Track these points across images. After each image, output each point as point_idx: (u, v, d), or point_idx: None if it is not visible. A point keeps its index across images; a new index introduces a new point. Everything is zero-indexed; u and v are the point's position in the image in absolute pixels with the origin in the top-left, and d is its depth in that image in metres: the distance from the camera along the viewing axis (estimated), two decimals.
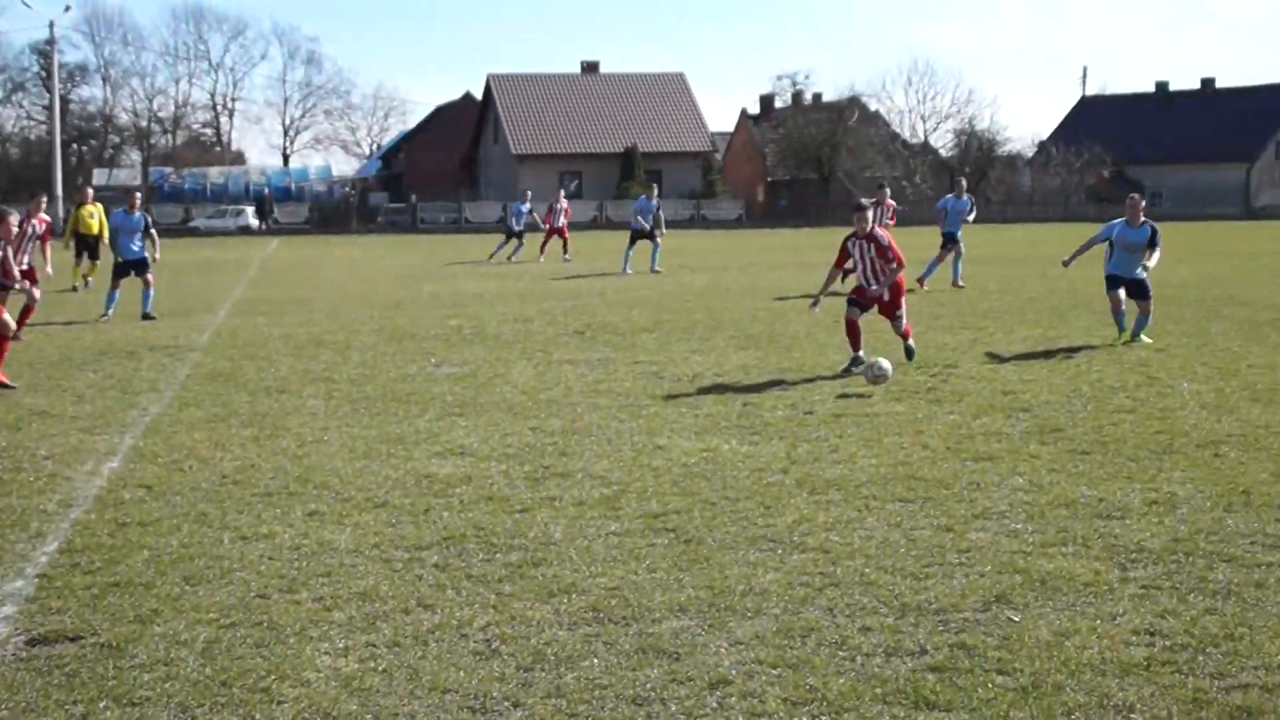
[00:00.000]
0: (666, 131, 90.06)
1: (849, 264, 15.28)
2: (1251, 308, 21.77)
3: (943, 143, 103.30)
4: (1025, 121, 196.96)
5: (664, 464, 10.14)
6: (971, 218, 27.38)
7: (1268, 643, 6.09)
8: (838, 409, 12.47)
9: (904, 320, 15.39)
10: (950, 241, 26.97)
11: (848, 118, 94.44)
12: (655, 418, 12.19)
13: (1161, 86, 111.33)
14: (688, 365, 15.75)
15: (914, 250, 24.36)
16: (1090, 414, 12.06)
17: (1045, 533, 8.02)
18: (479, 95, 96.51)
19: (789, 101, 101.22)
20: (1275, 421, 11.53)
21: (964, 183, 28.45)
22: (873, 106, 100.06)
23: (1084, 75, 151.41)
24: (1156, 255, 17.19)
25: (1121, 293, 17.09)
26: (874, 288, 15.01)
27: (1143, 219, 17.14)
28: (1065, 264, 18.76)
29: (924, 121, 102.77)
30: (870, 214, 15.27)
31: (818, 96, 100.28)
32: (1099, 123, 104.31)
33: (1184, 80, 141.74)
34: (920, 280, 26.15)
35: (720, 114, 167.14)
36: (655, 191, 37.31)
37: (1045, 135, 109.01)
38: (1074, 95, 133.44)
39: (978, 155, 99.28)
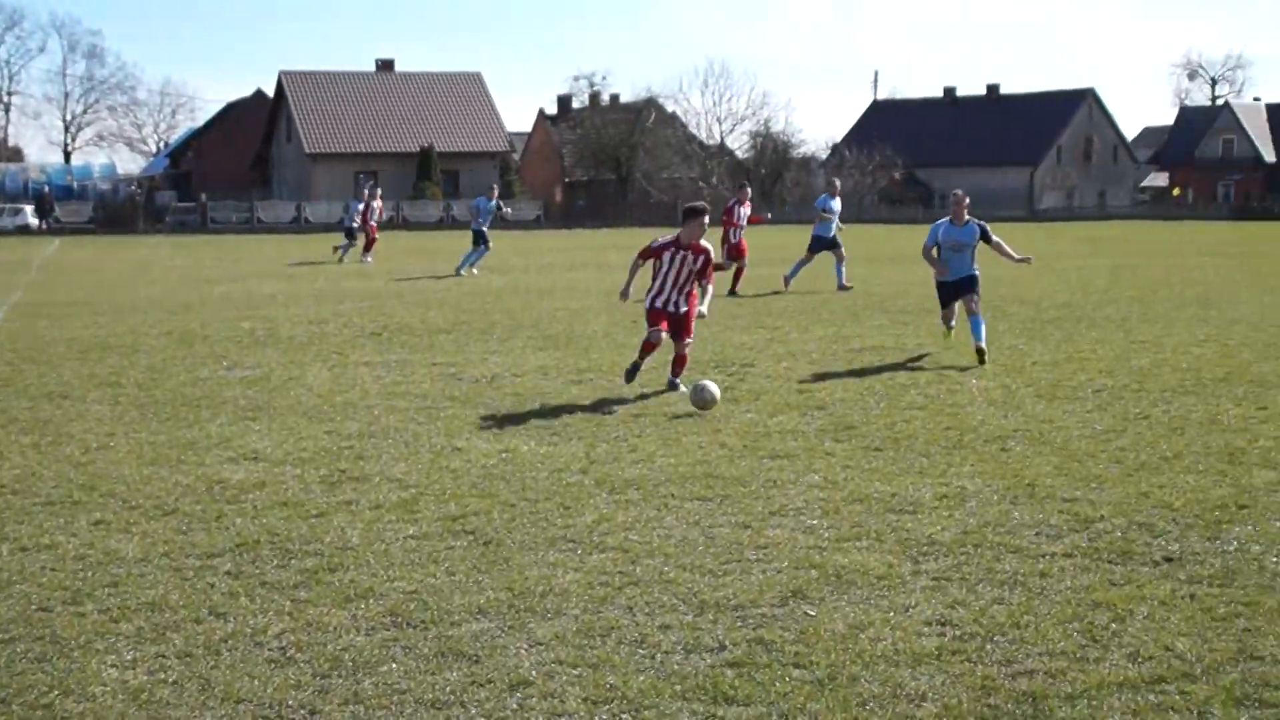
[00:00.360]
0: (463, 131, 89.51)
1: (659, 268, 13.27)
2: (1036, 307, 22.61)
3: (739, 144, 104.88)
4: (819, 124, 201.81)
5: (462, 466, 10.09)
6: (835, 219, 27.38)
7: (1052, 630, 6.34)
8: (636, 409, 12.57)
9: (689, 349, 13.70)
10: (825, 245, 26.78)
11: (645, 119, 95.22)
12: (453, 419, 12.12)
13: (949, 91, 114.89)
14: (486, 366, 15.69)
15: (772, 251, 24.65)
16: (883, 411, 12.38)
17: (840, 528, 8.22)
18: (270, 92, 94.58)
19: (586, 102, 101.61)
20: (1058, 416, 12.00)
21: (837, 183, 28.40)
22: (670, 108, 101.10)
23: (875, 80, 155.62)
24: (1009, 249, 16.43)
25: (957, 305, 16.24)
26: (673, 306, 13.28)
27: (967, 216, 16.16)
28: (941, 273, 16.30)
29: (720, 123, 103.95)
30: (706, 222, 13.19)
31: (615, 97, 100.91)
32: (890, 126, 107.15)
33: (971, 86, 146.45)
34: (840, 286, 26.43)
35: (517, 114, 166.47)
36: (495, 193, 35.82)
37: (839, 138, 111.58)
38: (866, 99, 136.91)
39: (773, 157, 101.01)
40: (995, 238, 16.09)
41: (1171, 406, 12.52)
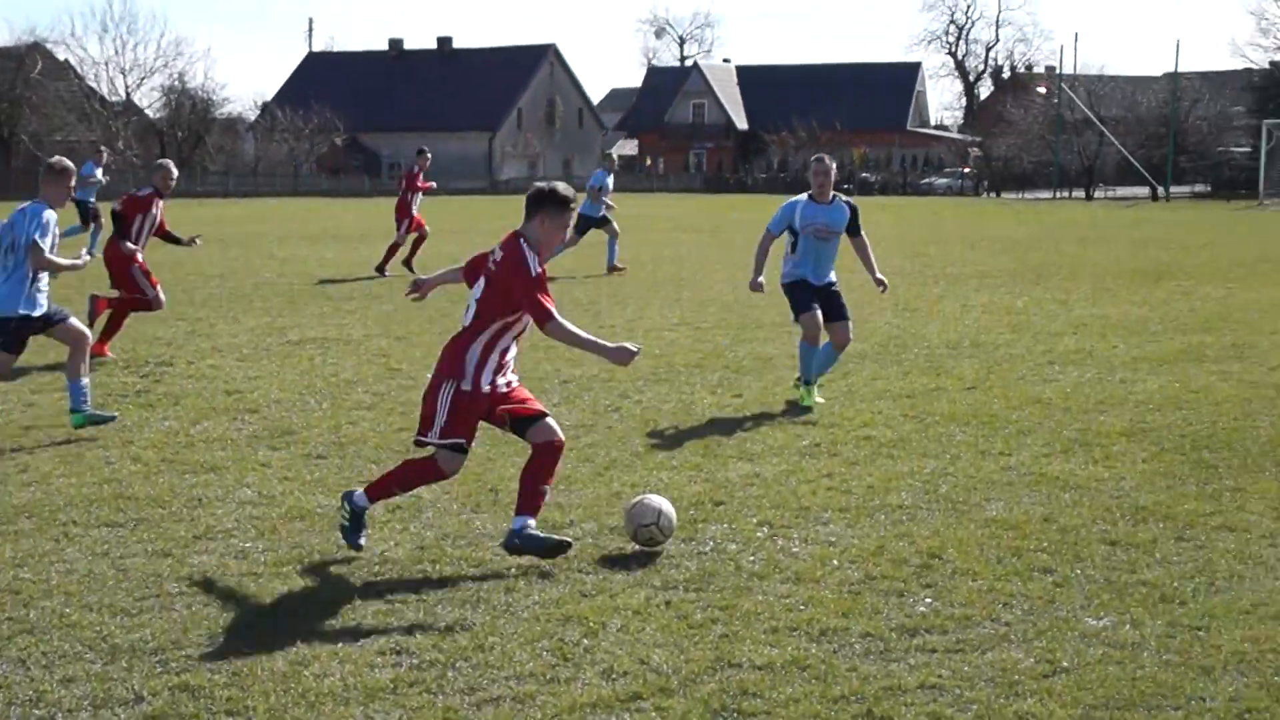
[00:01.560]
0: None
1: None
2: None
3: (149, 102, 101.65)
4: (246, 79, 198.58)
5: None
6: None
7: (519, 650, 6.56)
8: (29, 419, 11.99)
9: None
10: (593, 224, 27.35)
11: (29, 68, 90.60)
12: None
13: (396, 44, 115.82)
14: None
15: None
16: (327, 413, 12.40)
17: (279, 550, 8.17)
18: None
19: None
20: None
21: (615, 157, 29.09)
22: (61, 55, 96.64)
23: (310, 28, 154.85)
24: (871, 251, 13.47)
25: (819, 311, 12.83)
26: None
27: (833, 193, 13.05)
28: (756, 286, 13.32)
29: (125, 76, 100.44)
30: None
31: None
32: (329, 83, 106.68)
33: (420, 39, 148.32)
34: (611, 267, 26.79)
35: None
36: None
37: (269, 96, 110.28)
38: (300, 51, 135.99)
39: (191, 118, 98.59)
40: (863, 230, 13.19)
41: (644, 397, 13.20)
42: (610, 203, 27.83)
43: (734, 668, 6.37)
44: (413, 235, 26.91)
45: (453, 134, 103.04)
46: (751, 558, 8.10)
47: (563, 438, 8.40)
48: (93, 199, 31.52)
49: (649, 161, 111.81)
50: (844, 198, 13.17)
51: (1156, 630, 6.85)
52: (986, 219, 48.04)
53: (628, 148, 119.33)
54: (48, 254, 11.20)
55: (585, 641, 6.71)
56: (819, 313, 12.71)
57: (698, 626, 6.93)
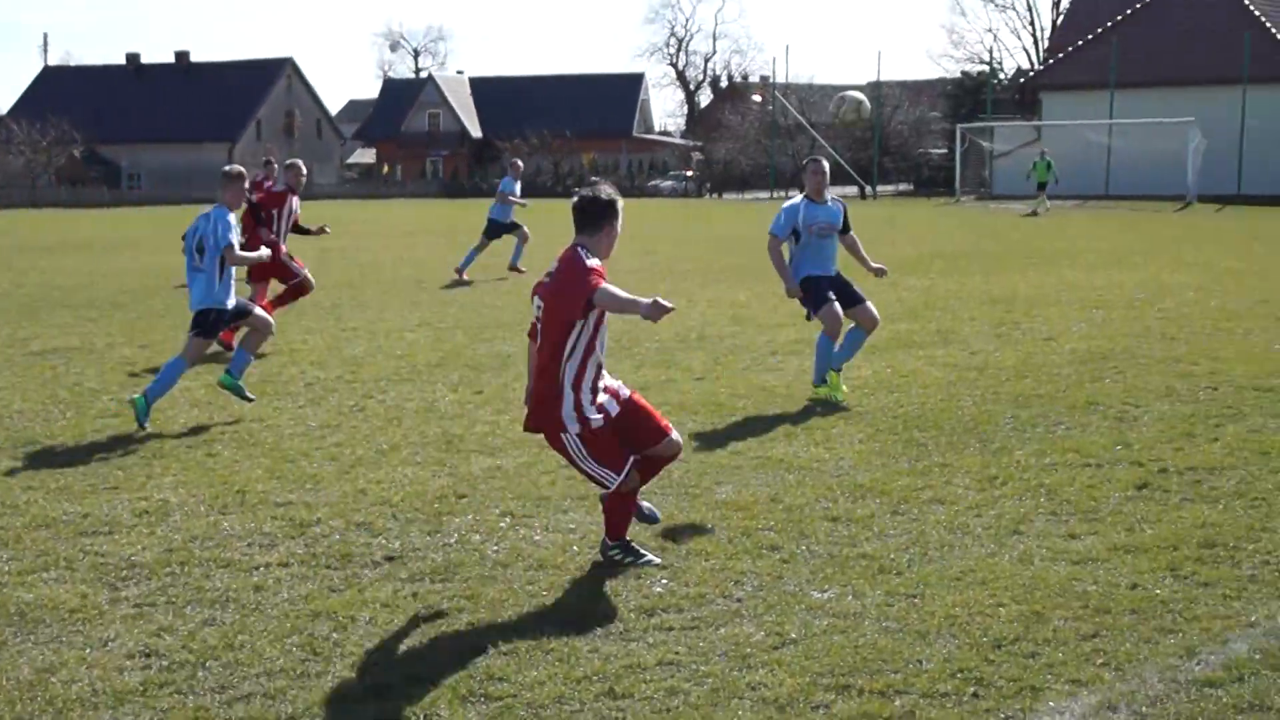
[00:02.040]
0: None
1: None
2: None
3: None
4: None
5: None
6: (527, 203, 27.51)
7: (269, 647, 6.40)
8: None
9: None
10: (503, 229, 26.71)
11: None
12: None
13: (133, 59, 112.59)
14: None
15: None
16: (71, 422, 11.94)
17: (23, 559, 7.84)
18: None
19: None
20: (268, 414, 12.13)
21: (519, 164, 28.31)
22: None
23: (45, 43, 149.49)
24: (860, 246, 13.25)
25: (837, 303, 12.71)
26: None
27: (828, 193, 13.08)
28: (795, 291, 12.85)
29: None
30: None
31: None
32: (67, 96, 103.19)
33: (158, 53, 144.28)
34: (459, 270, 25.90)
35: None
36: None
37: (5, 109, 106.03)
38: (36, 65, 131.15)
39: None
40: (851, 229, 13.14)
41: (388, 396, 13.04)
42: (523, 202, 27.47)
43: (481, 654, 6.32)
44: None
45: (192, 145, 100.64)
46: (495, 547, 8.05)
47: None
48: None
49: (387, 169, 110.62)
50: (836, 197, 13.22)
51: (876, 600, 7.01)
52: (709, 219, 48.74)
53: (366, 156, 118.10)
54: (238, 252, 12.14)
55: (335, 636, 6.59)
56: (837, 304, 12.65)
57: (444, 616, 6.86)
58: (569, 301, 7.41)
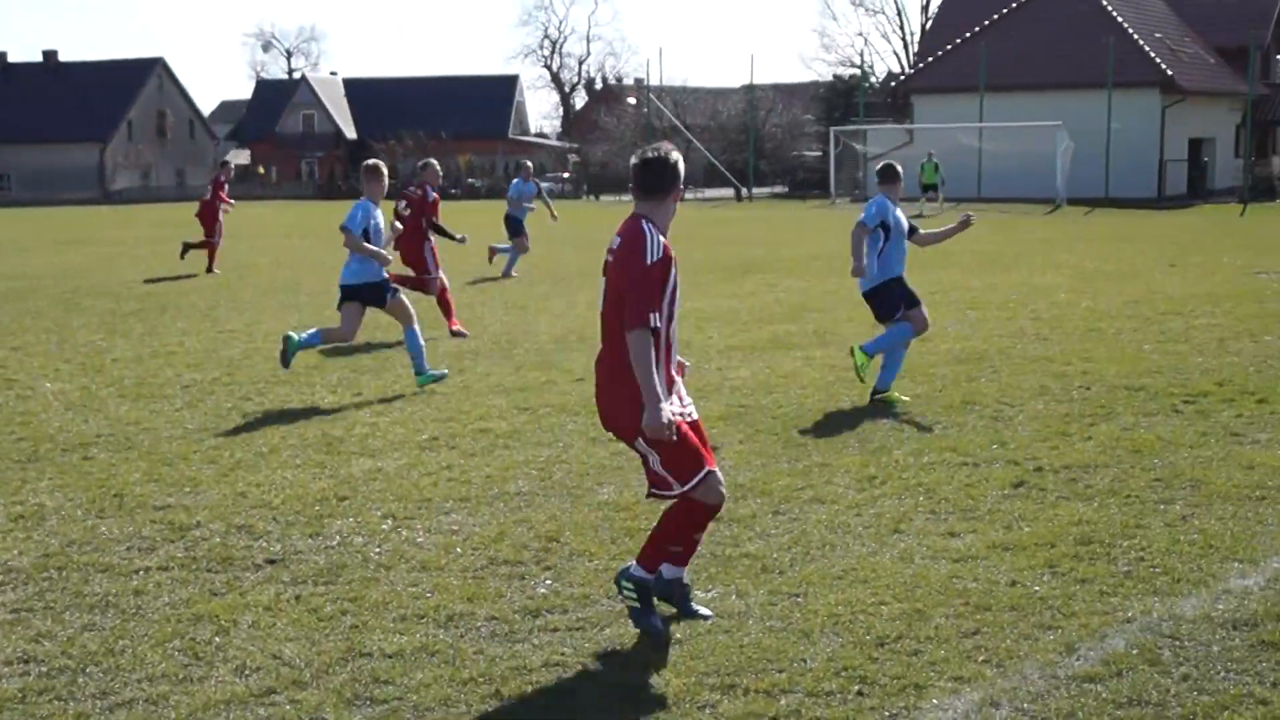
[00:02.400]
0: None
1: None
2: (114, 298, 22.32)
3: None
4: None
5: None
6: (534, 205, 27.39)
7: (151, 652, 6.30)
8: None
9: None
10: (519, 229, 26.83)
11: None
12: None
13: (0, 57, 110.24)
14: None
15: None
16: None
17: None
18: None
19: None
20: (145, 418, 11.93)
21: (530, 165, 28.65)
22: None
23: None
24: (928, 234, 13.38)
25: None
26: None
27: None
28: (860, 271, 12.61)
29: None
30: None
31: None
32: None
33: (24, 53, 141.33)
34: (506, 274, 26.22)
35: None
36: None
37: None
38: None
39: None
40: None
41: (266, 398, 12.89)
42: (531, 206, 27.60)
43: (365, 657, 6.27)
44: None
45: (62, 145, 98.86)
46: (378, 549, 7.99)
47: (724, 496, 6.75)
48: None
49: (262, 170, 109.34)
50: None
51: (760, 599, 7.04)
52: (587, 221, 48.71)
53: (240, 157, 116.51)
54: (356, 237, 13.20)
55: (217, 639, 6.50)
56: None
57: (328, 619, 6.79)
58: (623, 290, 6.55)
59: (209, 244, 28.20)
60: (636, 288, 6.42)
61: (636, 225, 6.60)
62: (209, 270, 27.55)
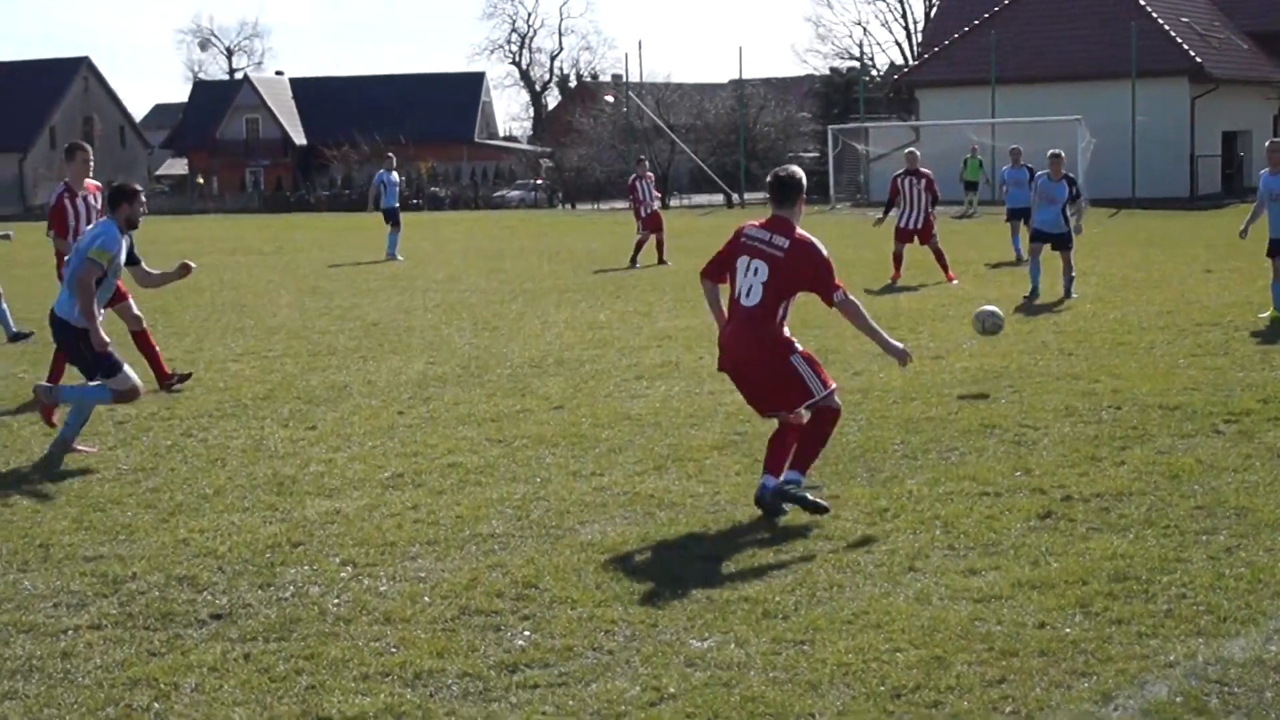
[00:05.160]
0: None
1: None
2: (36, 325, 22.15)
3: None
4: None
5: None
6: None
7: None
8: None
9: None
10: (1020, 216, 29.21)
11: None
12: None
13: None
14: None
15: None
16: None
17: None
18: None
19: None
20: (73, 458, 11.84)
21: (1019, 150, 32.07)
22: None
23: None
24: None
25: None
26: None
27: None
28: (1243, 234, 19.83)
29: None
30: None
31: None
32: None
33: None
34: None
35: None
36: None
37: None
38: None
39: None
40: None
41: (210, 434, 12.82)
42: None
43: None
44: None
45: None
46: (336, 600, 7.93)
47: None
48: None
49: (202, 181, 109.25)
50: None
51: (761, 647, 7.00)
52: (563, 231, 48.77)
53: (178, 167, 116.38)
54: None
55: (156, 706, 6.44)
56: None
57: (281, 679, 6.73)
58: (809, 283, 9.56)
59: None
60: (828, 270, 9.53)
61: (792, 227, 9.70)
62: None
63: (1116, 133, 56.06)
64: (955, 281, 24.95)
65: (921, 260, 26.45)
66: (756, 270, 9.61)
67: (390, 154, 38.39)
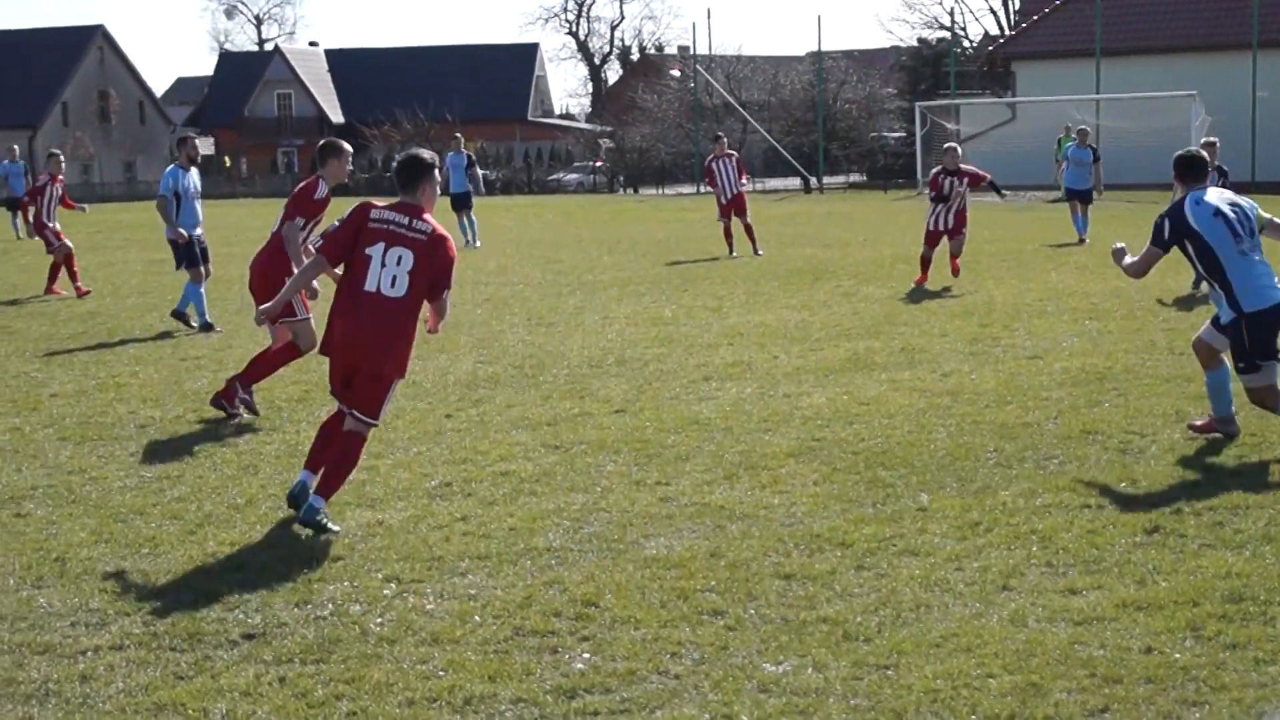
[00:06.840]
0: None
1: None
2: (50, 320, 22.41)
3: None
4: None
5: None
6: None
7: None
8: None
9: None
10: (1078, 195, 33.08)
11: None
12: None
13: None
14: None
15: None
16: None
17: None
18: None
19: None
20: (94, 465, 11.98)
21: (1087, 130, 34.97)
22: None
23: None
24: None
25: None
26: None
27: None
28: None
29: None
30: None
31: None
32: None
33: None
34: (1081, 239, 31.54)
35: None
36: None
37: None
38: None
39: None
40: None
41: (241, 440, 12.94)
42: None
43: None
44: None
45: None
46: (379, 620, 8.00)
47: None
48: None
49: (229, 162, 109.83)
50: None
51: (841, 672, 7.03)
52: (625, 219, 48.81)
53: (204, 147, 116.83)
54: None
55: None
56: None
57: (319, 705, 6.81)
58: (439, 275, 9.83)
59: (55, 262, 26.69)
60: (452, 266, 9.88)
61: (423, 213, 9.73)
62: (47, 291, 26.40)
63: (1234, 109, 55.58)
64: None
65: (1017, 248, 26.28)
66: (400, 259, 9.57)
67: (458, 134, 39.42)
